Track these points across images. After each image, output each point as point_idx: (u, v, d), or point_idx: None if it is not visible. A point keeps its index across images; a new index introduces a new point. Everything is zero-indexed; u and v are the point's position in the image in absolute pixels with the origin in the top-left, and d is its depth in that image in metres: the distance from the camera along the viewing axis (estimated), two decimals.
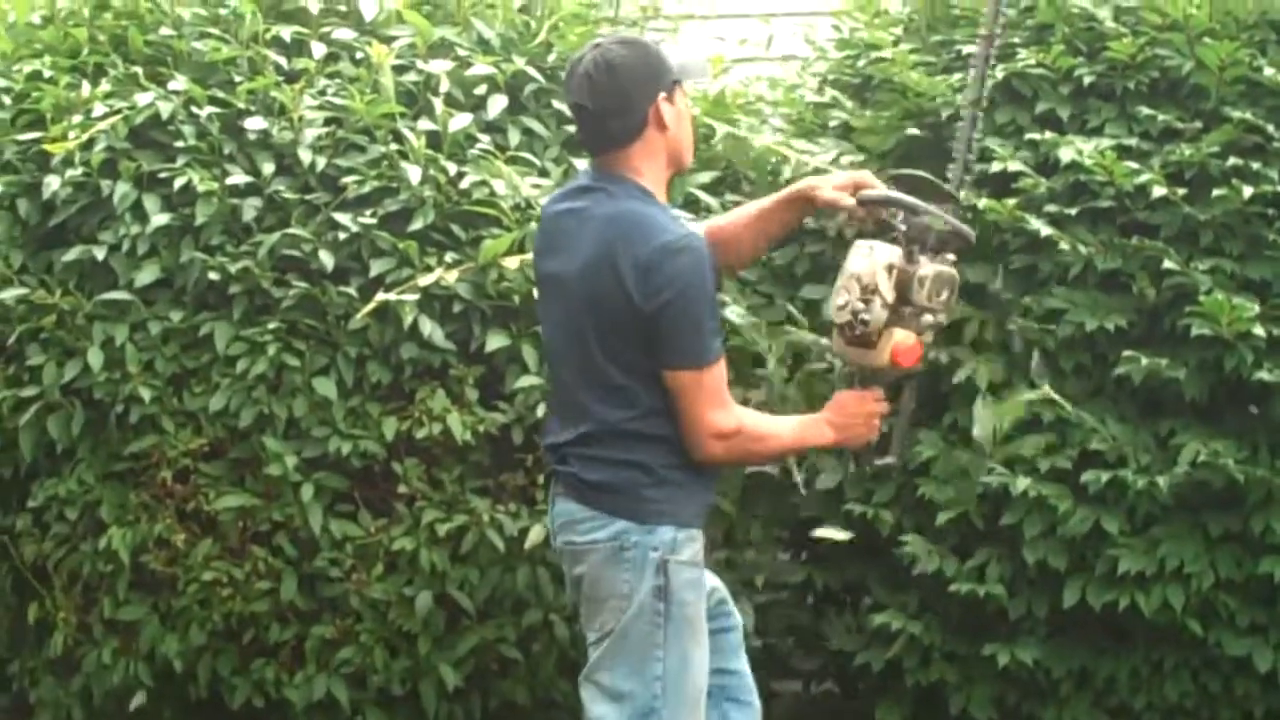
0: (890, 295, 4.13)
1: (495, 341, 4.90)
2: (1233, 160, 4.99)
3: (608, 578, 4.27)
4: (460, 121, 5.08)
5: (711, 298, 4.27)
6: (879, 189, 4.23)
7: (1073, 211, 5.05)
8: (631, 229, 4.23)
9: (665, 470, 4.27)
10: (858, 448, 4.39)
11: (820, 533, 4.82)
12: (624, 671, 4.30)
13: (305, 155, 5.00)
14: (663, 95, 4.29)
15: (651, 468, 4.27)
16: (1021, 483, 4.86)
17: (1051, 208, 5.06)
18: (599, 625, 4.32)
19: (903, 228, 4.17)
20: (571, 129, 5.20)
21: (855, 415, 4.36)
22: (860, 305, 4.15)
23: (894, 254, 4.14)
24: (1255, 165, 4.99)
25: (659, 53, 4.34)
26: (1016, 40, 5.34)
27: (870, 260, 4.15)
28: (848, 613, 5.28)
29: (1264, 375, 4.81)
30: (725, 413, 4.26)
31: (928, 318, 4.16)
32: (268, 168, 5.01)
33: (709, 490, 4.42)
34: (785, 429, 4.39)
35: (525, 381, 4.88)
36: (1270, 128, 5.06)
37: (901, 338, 4.16)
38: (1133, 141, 5.12)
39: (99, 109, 5.07)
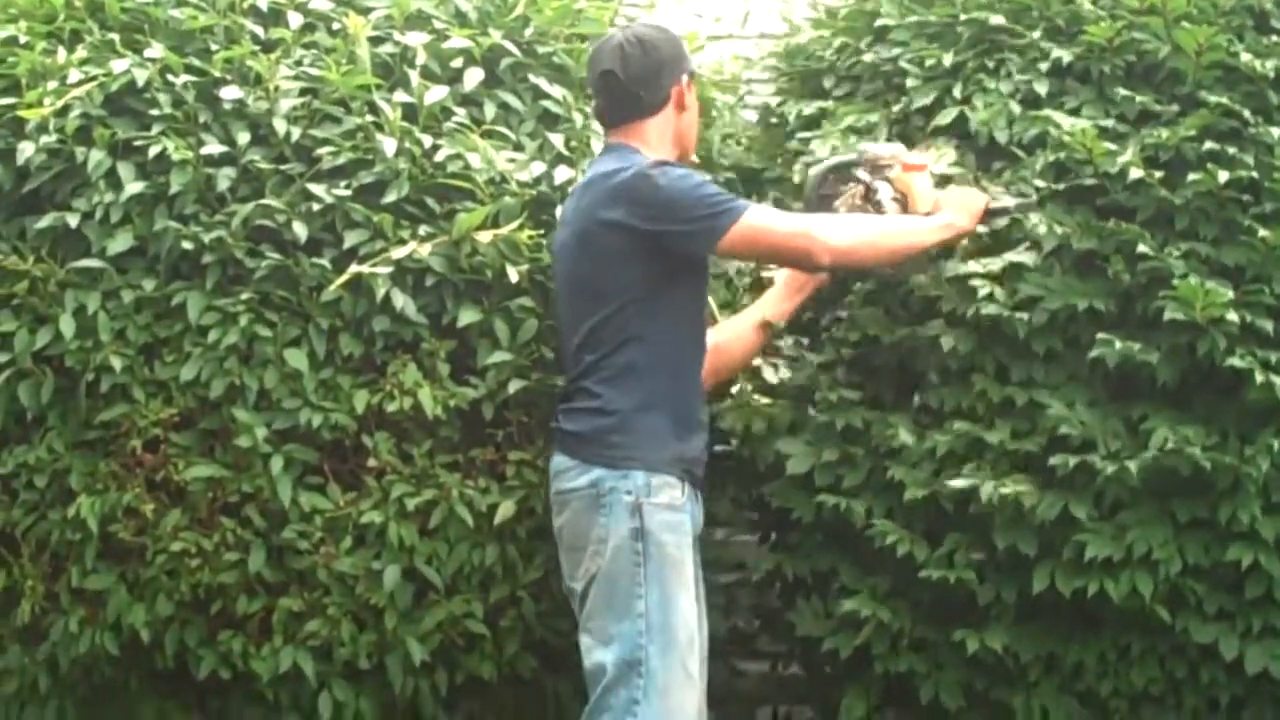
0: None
1: (467, 316, 4.89)
2: (1209, 145, 4.97)
3: (586, 524, 4.55)
4: (436, 94, 5.05)
5: (704, 180, 4.67)
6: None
7: (1059, 186, 5.06)
8: (604, 177, 4.63)
9: (635, 415, 4.57)
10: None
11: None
12: (610, 615, 4.52)
13: (280, 125, 4.97)
14: (685, 79, 4.73)
15: (620, 412, 4.57)
16: (988, 488, 4.86)
17: (1039, 183, 5.07)
18: (583, 573, 4.55)
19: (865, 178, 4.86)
20: (547, 104, 5.23)
21: (971, 205, 4.86)
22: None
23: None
24: (1231, 150, 4.96)
25: (682, 42, 4.78)
26: (997, 21, 5.34)
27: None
28: (815, 598, 5.27)
29: (1235, 361, 4.81)
30: (796, 215, 4.74)
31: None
32: (243, 137, 4.98)
33: (685, 442, 4.67)
34: (898, 218, 4.85)
35: (497, 357, 4.87)
36: (1246, 113, 5.04)
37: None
38: (1109, 123, 5.12)
39: (74, 75, 5.02)
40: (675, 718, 4.53)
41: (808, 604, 5.26)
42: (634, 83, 4.70)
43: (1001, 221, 4.96)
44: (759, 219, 4.62)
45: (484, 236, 4.86)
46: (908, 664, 5.10)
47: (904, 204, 4.88)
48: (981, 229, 4.98)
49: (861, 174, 4.89)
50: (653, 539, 4.54)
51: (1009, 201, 4.94)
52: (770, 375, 5.08)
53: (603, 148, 4.80)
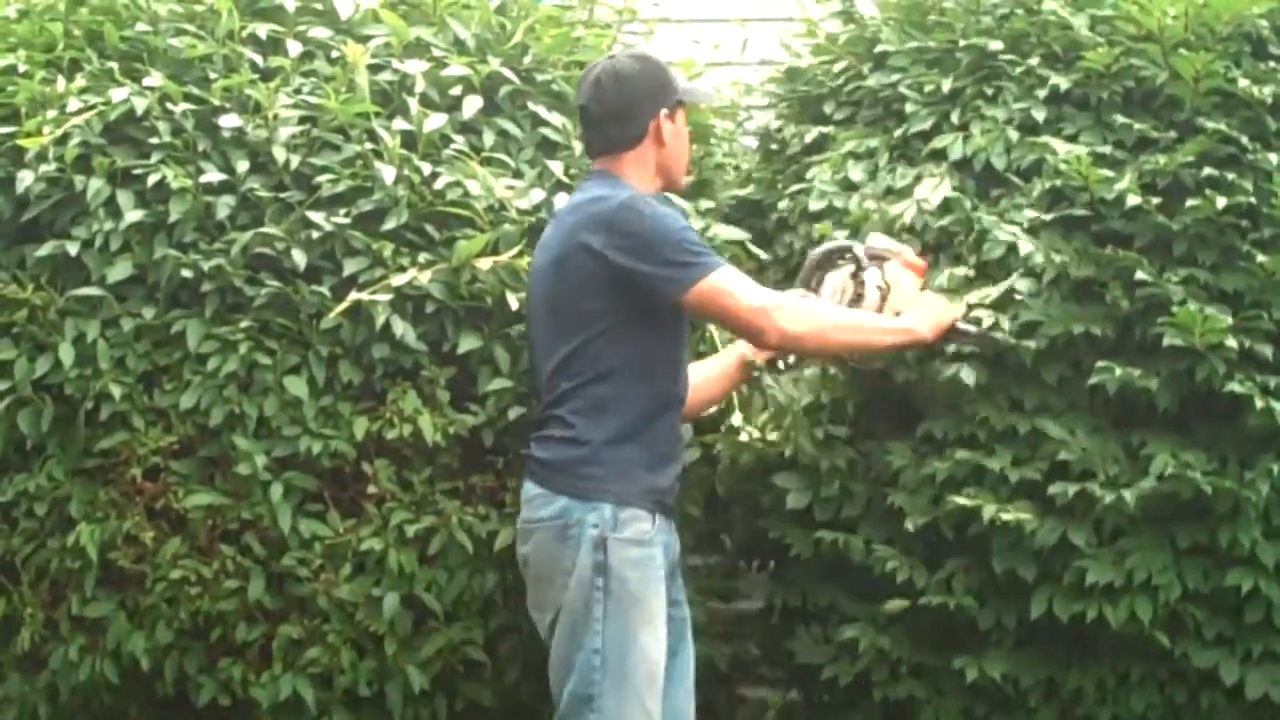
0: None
1: (468, 343, 4.89)
2: (1207, 171, 4.99)
3: (553, 555, 4.52)
4: (435, 122, 5.06)
5: (686, 223, 4.62)
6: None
7: (1048, 217, 5.06)
8: (591, 201, 4.58)
9: (606, 448, 4.52)
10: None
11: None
12: (570, 646, 4.50)
13: (280, 153, 4.98)
14: (664, 112, 4.65)
15: (592, 444, 4.52)
16: (989, 510, 4.86)
17: (1030, 213, 5.07)
18: (550, 603, 4.53)
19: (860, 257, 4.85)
20: (546, 131, 5.24)
21: (939, 317, 4.78)
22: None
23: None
24: (1230, 176, 4.98)
25: (667, 71, 4.71)
26: (995, 47, 5.36)
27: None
28: (815, 625, 5.27)
29: (1235, 387, 4.81)
30: (762, 290, 4.61)
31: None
32: (242, 165, 4.99)
33: (657, 474, 4.61)
34: (859, 313, 4.79)
35: (497, 384, 4.87)
36: (1244, 139, 5.06)
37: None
38: (1107, 150, 5.13)
39: (74, 104, 5.03)
40: None
41: (807, 631, 5.25)
42: (607, 117, 4.65)
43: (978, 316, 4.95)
44: (726, 281, 4.53)
45: (484, 264, 4.85)
46: (907, 690, 5.10)
47: (885, 295, 4.83)
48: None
49: (859, 250, 4.85)
50: (615, 575, 4.48)
51: (970, 329, 4.87)
52: (759, 408, 5.08)
53: (590, 174, 4.74)
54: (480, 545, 4.89)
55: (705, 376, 4.90)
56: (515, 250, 4.90)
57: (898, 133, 5.42)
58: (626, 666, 4.48)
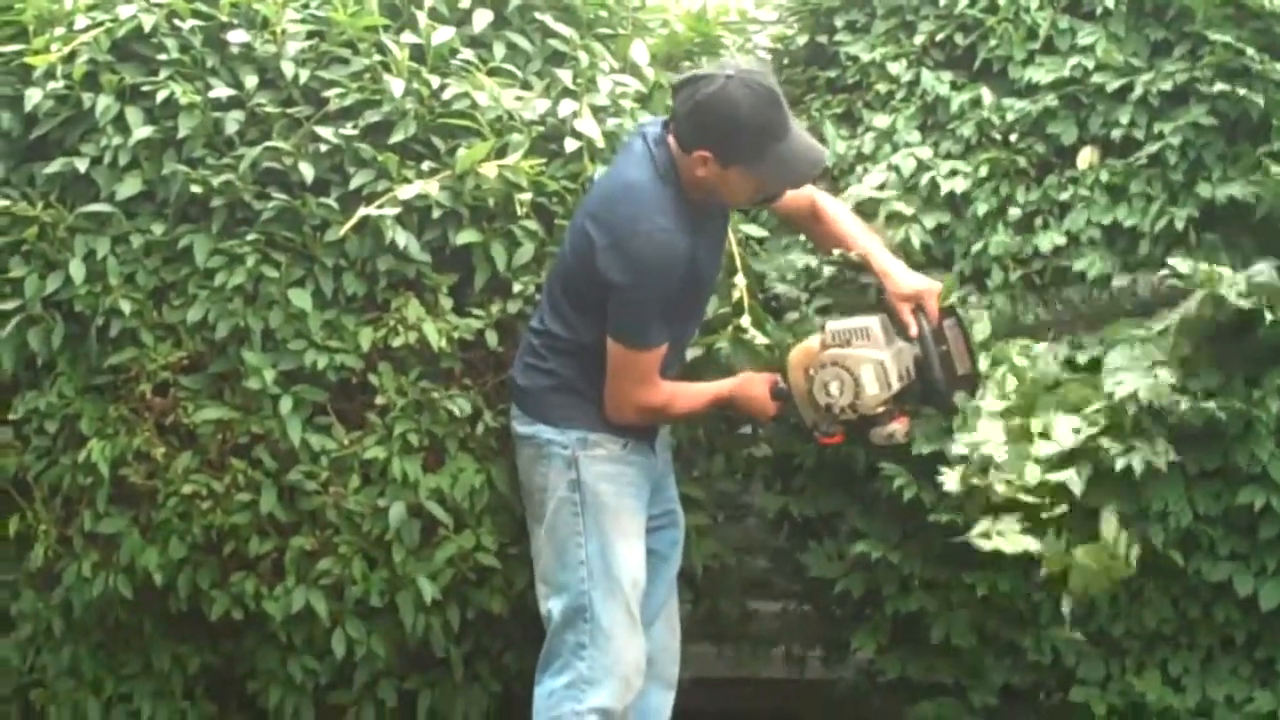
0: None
1: (465, 237, 4.89)
2: (1219, 86, 4.96)
3: (530, 471, 4.75)
4: (443, 34, 5.05)
5: (667, 292, 4.56)
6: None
7: None
8: (618, 201, 4.59)
9: (577, 382, 4.69)
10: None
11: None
12: (557, 564, 4.72)
13: (288, 68, 4.97)
14: (710, 155, 4.54)
15: (565, 379, 4.70)
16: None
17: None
18: (536, 518, 4.76)
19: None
20: (554, 43, 5.22)
21: (758, 398, 4.79)
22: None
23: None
24: (1241, 90, 4.95)
25: (758, 129, 4.52)
26: None
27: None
28: (827, 539, 5.26)
29: (1242, 302, 4.77)
30: (651, 390, 4.67)
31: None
32: (250, 80, 4.97)
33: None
34: (699, 399, 4.81)
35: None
36: (1251, 50, 5.01)
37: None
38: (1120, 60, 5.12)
39: (81, 21, 5.03)
40: (622, 661, 4.72)
41: (819, 546, 5.25)
42: (684, 112, 4.55)
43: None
44: (634, 362, 4.62)
45: (489, 170, 4.84)
46: (919, 604, 5.10)
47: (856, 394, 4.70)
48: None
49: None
50: (589, 489, 4.69)
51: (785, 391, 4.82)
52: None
53: (660, 133, 4.68)
54: (486, 436, 4.92)
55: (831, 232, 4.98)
56: (519, 154, 4.89)
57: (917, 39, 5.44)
58: (612, 575, 4.69)
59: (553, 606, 4.73)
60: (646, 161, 4.62)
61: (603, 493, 4.70)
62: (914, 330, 4.75)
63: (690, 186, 4.61)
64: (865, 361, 4.66)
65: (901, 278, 4.82)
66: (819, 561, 5.25)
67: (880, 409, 4.71)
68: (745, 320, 4.96)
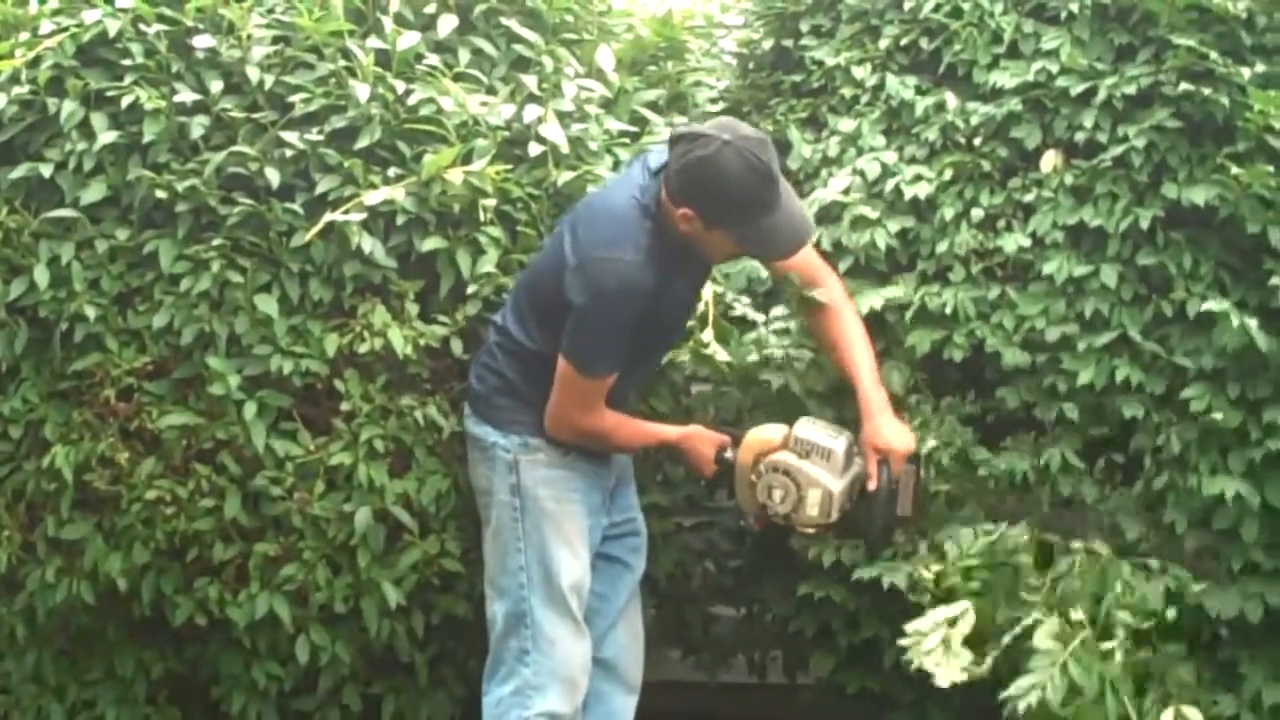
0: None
1: (431, 243, 4.89)
2: (1184, 86, 4.97)
3: (475, 473, 4.80)
4: (409, 40, 5.05)
5: (623, 324, 4.56)
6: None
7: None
8: (597, 223, 4.61)
9: (523, 387, 4.72)
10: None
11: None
12: (499, 567, 4.76)
13: (253, 73, 4.96)
14: (694, 214, 4.55)
15: (512, 382, 4.73)
16: None
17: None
18: (484, 518, 4.81)
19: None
20: (519, 48, 5.21)
21: (701, 455, 4.83)
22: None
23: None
24: (1205, 90, 4.96)
25: (747, 201, 4.53)
26: None
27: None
28: (782, 571, 5.27)
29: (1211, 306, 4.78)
30: (593, 416, 4.69)
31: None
32: (216, 85, 4.97)
33: None
34: (642, 437, 4.87)
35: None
36: (1214, 55, 5.01)
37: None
38: (1084, 64, 5.12)
39: (46, 26, 5.02)
40: (567, 664, 4.74)
41: (773, 580, 5.28)
42: (678, 167, 4.53)
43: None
44: (581, 386, 4.63)
45: (455, 176, 4.84)
46: (872, 630, 5.10)
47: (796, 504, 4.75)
48: None
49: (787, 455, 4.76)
50: (528, 494, 4.72)
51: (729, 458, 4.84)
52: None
53: (660, 160, 4.68)
54: (451, 454, 4.93)
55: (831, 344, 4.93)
56: (485, 160, 4.89)
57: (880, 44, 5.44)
58: (551, 579, 4.72)
59: (496, 610, 4.76)
60: (636, 189, 4.64)
61: (542, 498, 4.72)
62: (873, 485, 4.74)
63: (673, 229, 4.61)
64: (816, 486, 4.70)
65: (880, 428, 4.76)
66: (773, 599, 5.33)
67: (812, 530, 4.80)
68: (708, 334, 4.97)
